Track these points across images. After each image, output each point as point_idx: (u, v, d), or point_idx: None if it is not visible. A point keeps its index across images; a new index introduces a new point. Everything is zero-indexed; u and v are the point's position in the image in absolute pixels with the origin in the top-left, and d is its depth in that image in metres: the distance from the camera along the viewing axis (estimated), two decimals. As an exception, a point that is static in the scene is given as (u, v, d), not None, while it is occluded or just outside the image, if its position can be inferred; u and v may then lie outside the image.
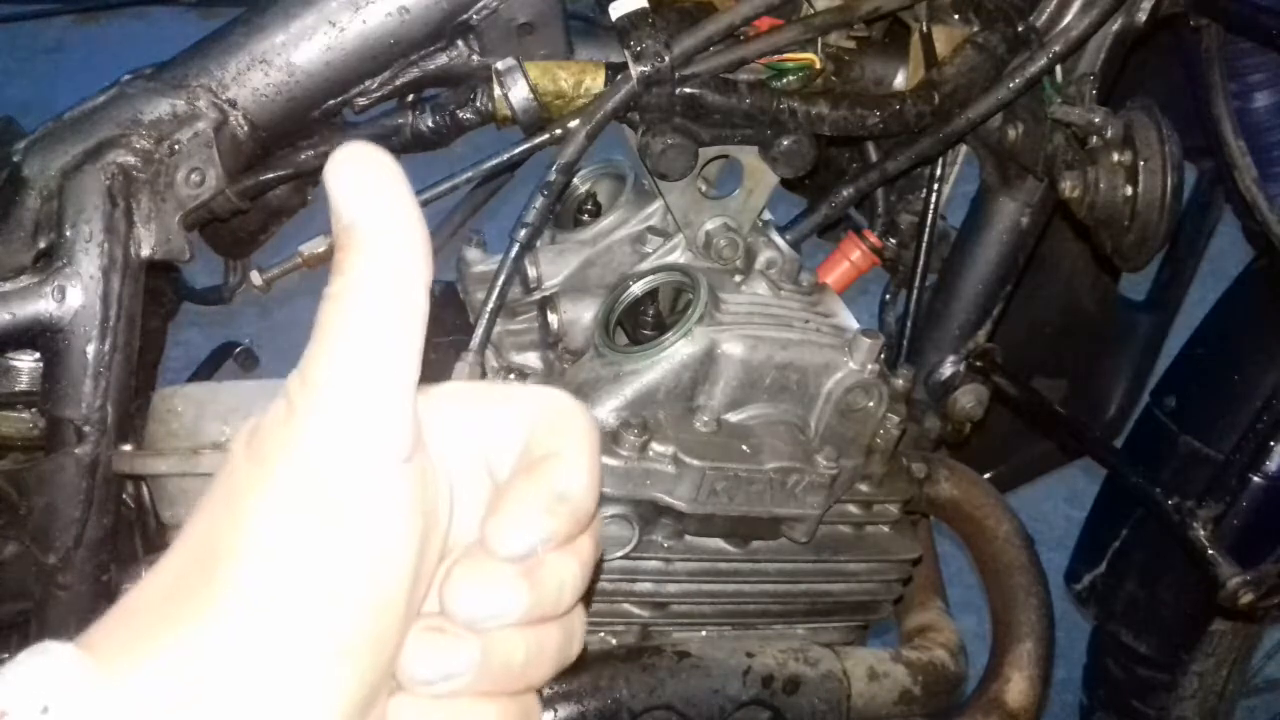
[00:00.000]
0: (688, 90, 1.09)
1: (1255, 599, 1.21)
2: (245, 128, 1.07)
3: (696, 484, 1.09)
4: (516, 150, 1.10)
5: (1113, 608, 1.61)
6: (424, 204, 1.10)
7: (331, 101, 1.09)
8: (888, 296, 1.43)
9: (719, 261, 1.17)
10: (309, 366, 0.51)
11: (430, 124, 1.11)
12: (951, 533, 1.38)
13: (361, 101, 1.10)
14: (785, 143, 1.12)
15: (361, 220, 0.50)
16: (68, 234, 1.01)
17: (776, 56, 1.12)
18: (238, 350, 1.44)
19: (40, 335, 1.02)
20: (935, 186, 1.32)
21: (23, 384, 1.11)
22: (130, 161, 1.03)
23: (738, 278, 1.16)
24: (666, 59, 1.06)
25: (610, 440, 1.08)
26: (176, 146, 1.04)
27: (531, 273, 1.21)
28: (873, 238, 1.37)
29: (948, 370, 1.39)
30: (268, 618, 0.47)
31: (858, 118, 1.14)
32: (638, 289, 1.16)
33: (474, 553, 0.53)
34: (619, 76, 1.08)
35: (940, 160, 1.30)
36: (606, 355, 1.11)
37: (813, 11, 1.15)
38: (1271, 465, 1.39)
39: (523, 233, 1.08)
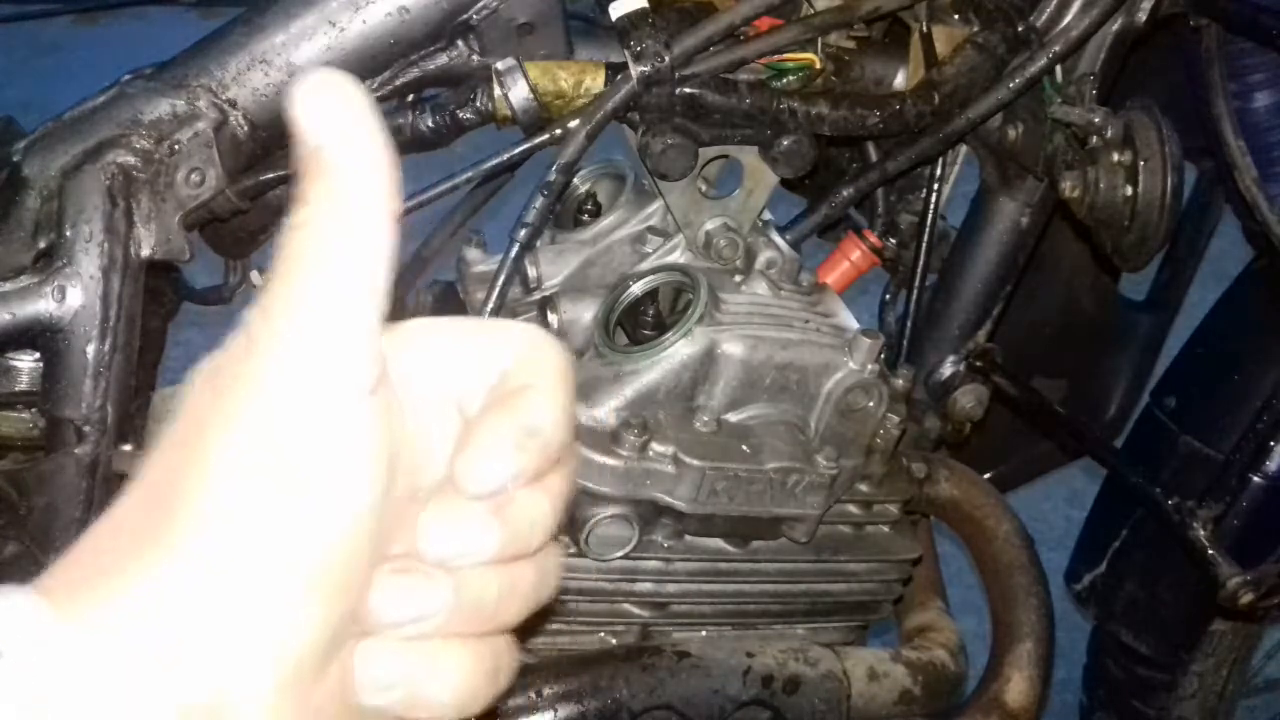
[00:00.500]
0: (688, 90, 1.09)
1: (1255, 599, 1.21)
2: (245, 128, 1.07)
3: (696, 484, 1.09)
4: (516, 150, 1.10)
5: (1113, 608, 1.61)
6: (424, 204, 1.11)
7: (331, 101, 1.08)
8: (888, 296, 1.43)
9: (719, 261, 1.17)
10: (268, 298, 0.48)
11: (430, 124, 1.11)
12: (951, 533, 1.38)
13: (361, 101, 1.09)
14: (785, 143, 1.12)
15: (327, 146, 0.49)
16: (68, 234, 1.01)
17: (776, 56, 1.12)
18: (238, 350, 1.44)
19: (40, 335, 1.02)
20: (935, 186, 1.32)
21: (23, 384, 1.11)
22: (130, 161, 1.02)
23: (738, 278, 1.16)
24: (666, 59, 1.06)
25: (610, 440, 1.08)
26: (176, 146, 1.04)
27: (531, 273, 1.21)
28: (873, 238, 1.37)
29: (948, 370, 1.39)
30: (228, 559, 0.46)
31: (858, 118, 1.14)
32: (638, 289, 1.16)
33: (444, 490, 0.51)
34: (619, 76, 1.08)
35: (940, 160, 1.30)
36: (606, 355, 1.11)
37: (813, 11, 1.15)
38: (1271, 465, 1.39)
39: (523, 233, 1.08)
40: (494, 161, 1.10)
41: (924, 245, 1.33)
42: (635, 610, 1.20)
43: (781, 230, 1.24)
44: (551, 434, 0.53)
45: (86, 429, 1.02)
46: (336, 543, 0.48)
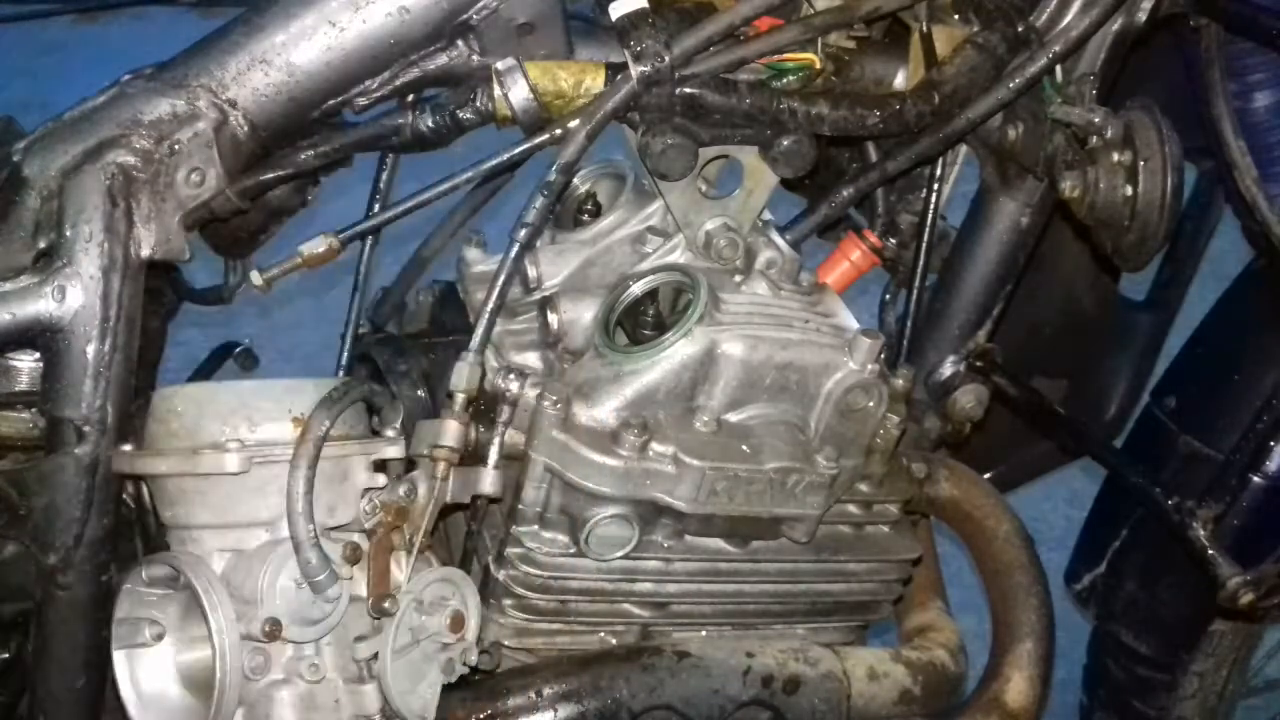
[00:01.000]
0: (688, 90, 1.09)
1: (1255, 599, 1.22)
2: (245, 128, 1.07)
3: (696, 484, 1.09)
4: (516, 150, 1.10)
5: (1113, 608, 1.61)
6: (424, 204, 1.11)
7: (331, 101, 1.09)
8: (888, 296, 1.43)
9: (719, 261, 1.17)
10: None
11: (430, 124, 1.11)
12: (951, 533, 1.38)
13: (361, 101, 1.10)
14: (785, 143, 1.12)
15: None
16: (68, 234, 1.01)
17: (776, 56, 1.12)
18: (238, 350, 1.44)
19: (40, 335, 1.02)
20: (935, 186, 1.32)
21: (23, 384, 1.11)
22: (130, 161, 1.03)
23: (738, 278, 1.16)
24: (666, 59, 1.06)
25: (610, 440, 1.08)
26: (176, 146, 1.04)
27: (531, 273, 1.21)
28: (873, 238, 1.37)
29: (948, 370, 1.39)
30: None
31: (858, 118, 1.14)
32: (638, 289, 1.16)
33: None
34: (619, 76, 1.08)
35: (940, 160, 1.30)
36: (606, 355, 1.11)
37: (813, 11, 1.15)
38: (1271, 465, 1.39)
39: (523, 233, 1.08)
40: (494, 161, 1.10)
41: (924, 245, 1.33)
42: (635, 610, 1.20)
43: (781, 230, 1.24)
44: None
45: (86, 429, 1.02)
46: None
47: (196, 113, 1.05)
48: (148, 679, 1.06)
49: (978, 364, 1.39)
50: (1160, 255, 1.32)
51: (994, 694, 1.31)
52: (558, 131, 1.08)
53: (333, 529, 1.05)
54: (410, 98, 1.12)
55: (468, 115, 1.10)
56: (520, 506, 1.10)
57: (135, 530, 1.16)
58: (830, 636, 1.28)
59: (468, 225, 1.35)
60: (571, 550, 1.13)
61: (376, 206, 1.23)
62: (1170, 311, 1.73)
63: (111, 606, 1.06)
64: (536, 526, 1.12)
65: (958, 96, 1.19)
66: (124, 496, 1.12)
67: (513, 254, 1.09)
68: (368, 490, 1.06)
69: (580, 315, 1.16)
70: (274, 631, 1.01)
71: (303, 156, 1.11)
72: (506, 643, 1.18)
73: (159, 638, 1.06)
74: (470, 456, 1.08)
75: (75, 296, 1.01)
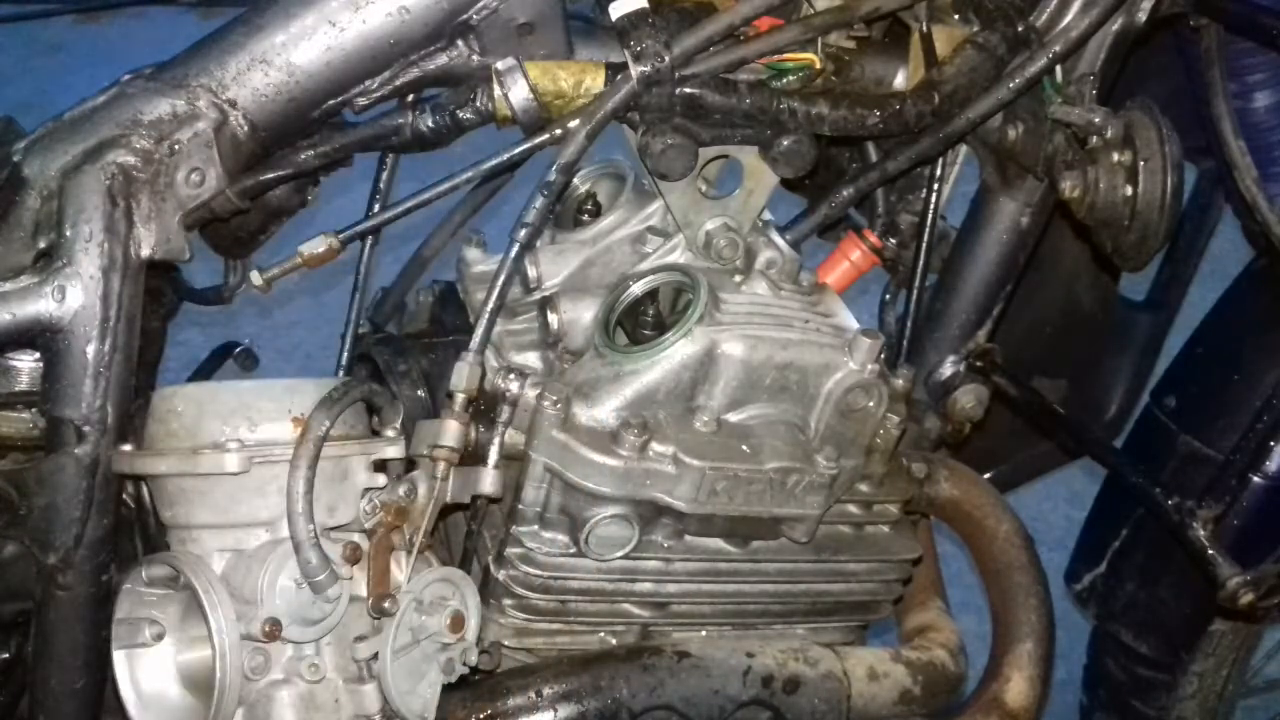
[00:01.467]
0: (688, 90, 1.09)
1: (1255, 599, 1.21)
2: (245, 128, 1.07)
3: (696, 484, 1.09)
4: (516, 150, 1.10)
5: (1113, 608, 1.61)
6: (424, 204, 1.11)
7: (331, 101, 1.09)
8: (888, 296, 1.43)
9: (719, 261, 1.17)
10: None
11: (430, 124, 1.11)
12: (951, 533, 1.38)
13: (361, 101, 1.10)
14: (785, 143, 1.12)
15: None
16: (68, 234, 1.01)
17: (776, 56, 1.12)
18: (238, 350, 1.44)
19: (40, 335, 1.02)
20: (935, 186, 1.32)
21: (23, 384, 1.11)
22: (130, 161, 1.02)
23: (738, 278, 1.16)
24: (666, 59, 1.06)
25: (610, 440, 1.08)
26: (176, 146, 1.04)
27: (531, 273, 1.21)
28: (873, 238, 1.37)
29: (948, 370, 1.39)
30: None
31: (858, 118, 1.14)
32: (638, 289, 1.16)
33: None
34: (619, 76, 1.08)
35: (940, 160, 1.30)
36: (606, 355, 1.11)
37: (813, 11, 1.15)
38: (1271, 465, 1.39)
39: (523, 233, 1.08)
40: (494, 161, 1.10)
41: (924, 245, 1.33)
42: (635, 610, 1.20)
43: (781, 230, 1.24)
44: None
45: (86, 429, 1.02)
46: None
47: (196, 113, 1.05)
48: (148, 679, 1.06)
49: (978, 364, 1.39)
50: (1160, 255, 1.32)
51: (994, 694, 1.31)
52: (558, 131, 1.08)
53: (333, 529, 1.05)
54: (410, 98, 1.12)
55: (468, 115, 1.10)
56: (520, 506, 1.10)
57: (135, 530, 1.16)
58: (830, 636, 1.28)
59: (468, 225, 1.35)
60: (571, 550, 1.13)
61: (376, 206, 1.23)
62: (1170, 311, 1.73)
63: (111, 606, 1.06)
64: (536, 526, 1.12)
65: (958, 96, 1.19)
66: (124, 496, 1.12)
67: (513, 254, 1.09)
68: (368, 490, 1.06)
69: (580, 315, 1.16)
70: (274, 631, 1.01)
71: (303, 156, 1.11)
72: (506, 643, 1.18)
73: (159, 638, 1.06)
74: (470, 456, 1.08)
75: (75, 296, 1.00)
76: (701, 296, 1.10)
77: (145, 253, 1.04)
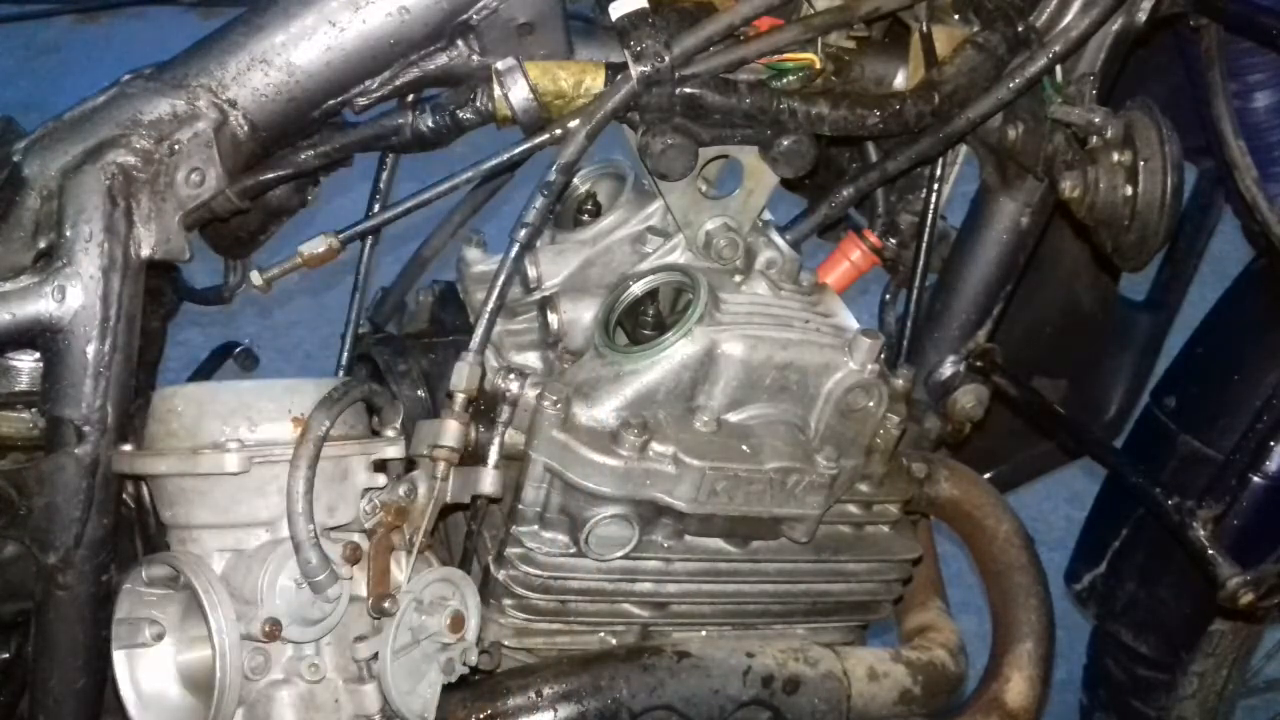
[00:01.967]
0: (688, 90, 1.09)
1: (1255, 599, 1.21)
2: (245, 128, 1.07)
3: (696, 484, 1.09)
4: (516, 150, 1.10)
5: (1113, 608, 1.61)
6: (424, 204, 1.11)
7: (331, 101, 1.09)
8: (888, 296, 1.43)
9: (719, 261, 1.17)
10: None
11: (430, 124, 1.11)
12: (951, 533, 1.38)
13: (361, 101, 1.10)
14: (785, 143, 1.12)
15: None
16: (68, 234, 1.01)
17: (776, 56, 1.12)
18: (238, 350, 1.44)
19: (40, 335, 1.02)
20: (935, 186, 1.32)
21: (23, 384, 1.11)
22: (130, 161, 1.02)
23: (738, 278, 1.16)
24: (666, 59, 1.06)
25: (610, 440, 1.08)
26: (176, 146, 1.04)
27: (531, 273, 1.21)
28: (873, 238, 1.37)
29: (948, 370, 1.39)
30: None
31: (858, 118, 1.14)
32: (638, 289, 1.16)
33: None
34: (619, 76, 1.08)
35: (940, 160, 1.30)
36: (606, 355, 1.11)
37: (813, 11, 1.15)
38: (1271, 465, 1.39)
39: (523, 233, 1.08)
40: (494, 161, 1.10)
41: (924, 245, 1.33)
42: (635, 610, 1.20)
43: (781, 230, 1.24)
44: None
45: (86, 429, 1.02)
46: None
47: (196, 113, 1.05)
48: (148, 679, 1.06)
49: (978, 364, 1.39)
50: (1160, 255, 1.32)
51: (994, 694, 1.31)
52: (558, 131, 1.08)
53: (333, 529, 1.05)
54: (410, 98, 1.12)
55: (468, 115, 1.10)
56: (520, 506, 1.10)
57: (135, 530, 1.16)
58: (830, 636, 1.28)
59: (468, 225, 1.35)
60: (571, 550, 1.13)
61: (376, 206, 1.23)
62: (1170, 311, 1.73)
63: (111, 606, 1.06)
64: (536, 526, 1.12)
65: (958, 96, 1.19)
66: (124, 496, 1.12)
67: (513, 254, 1.09)
68: (368, 490, 1.06)
69: (580, 315, 1.16)
70: (274, 631, 1.01)
71: (303, 156, 1.11)
72: (506, 643, 1.18)
73: (159, 638, 1.06)
74: (470, 456, 1.08)
75: (75, 296, 1.00)
76: (701, 296, 1.10)
77: (145, 253, 1.04)
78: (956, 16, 1.24)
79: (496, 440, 1.08)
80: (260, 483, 1.02)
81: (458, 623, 1.06)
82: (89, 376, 1.01)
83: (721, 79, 1.10)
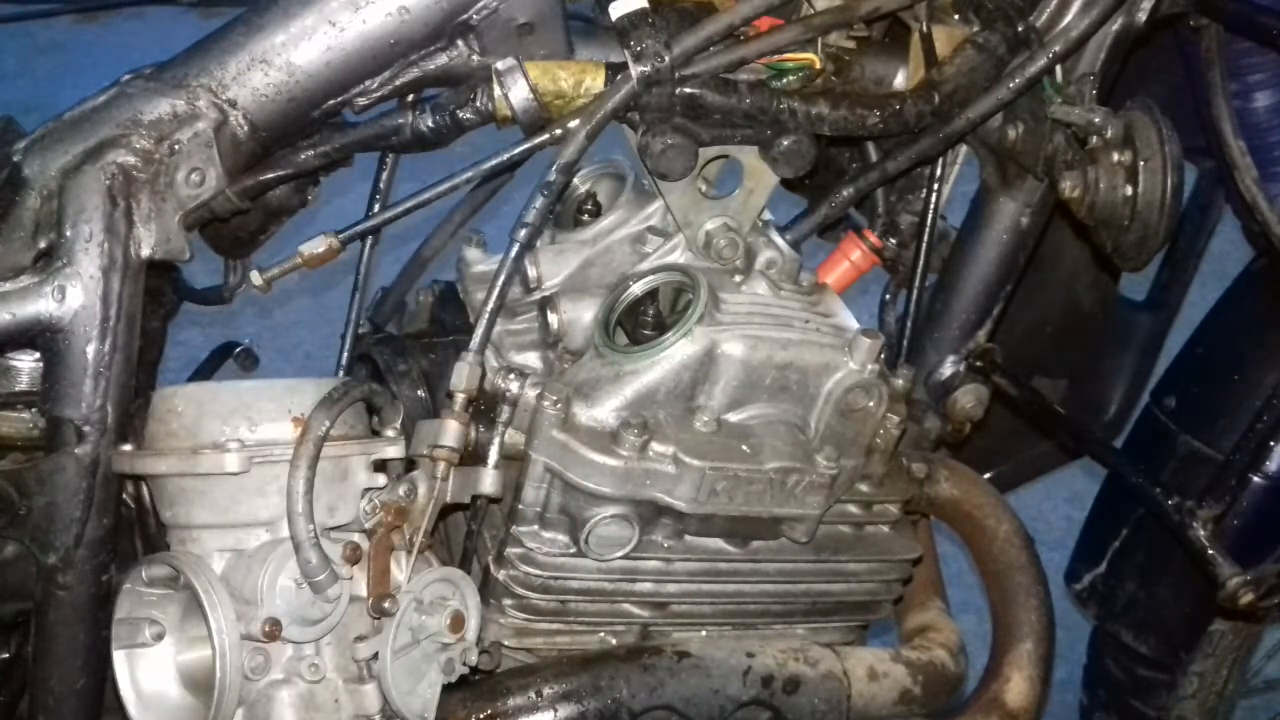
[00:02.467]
0: (688, 90, 1.09)
1: (1255, 599, 1.22)
2: (245, 128, 1.07)
3: (696, 484, 1.09)
4: (516, 150, 1.10)
5: (1113, 608, 1.61)
6: (424, 204, 1.11)
7: (331, 101, 1.09)
8: (888, 296, 1.43)
9: (719, 261, 1.17)
10: None
11: (430, 124, 1.11)
12: (951, 533, 1.38)
13: (361, 101, 1.10)
14: (785, 143, 1.12)
15: None
16: (68, 234, 1.01)
17: (776, 56, 1.12)
18: (238, 350, 1.44)
19: (40, 335, 1.02)
20: (935, 186, 1.32)
21: (23, 384, 1.11)
22: (130, 161, 1.02)
23: (738, 278, 1.16)
24: (666, 59, 1.06)
25: (610, 440, 1.08)
26: (176, 146, 1.04)
27: (531, 273, 1.21)
28: (873, 238, 1.37)
29: (948, 370, 1.39)
30: None
31: (858, 118, 1.14)
32: (638, 289, 1.16)
33: None
34: (619, 76, 1.08)
35: (940, 160, 1.30)
36: (606, 355, 1.11)
37: (813, 11, 1.15)
38: (1271, 465, 1.39)
39: (523, 233, 1.08)
40: (494, 161, 1.10)
41: (924, 245, 1.33)
42: (635, 610, 1.20)
43: (781, 230, 1.24)
44: None
45: (86, 429, 1.02)
46: None
47: (196, 113, 1.05)
48: (148, 679, 1.06)
49: (978, 364, 1.39)
50: (1160, 255, 1.32)
51: (994, 694, 1.31)
52: (558, 131, 1.08)
53: (333, 529, 1.05)
54: (410, 98, 1.12)
55: (468, 115, 1.10)
56: (520, 506, 1.10)
57: (135, 530, 1.16)
58: (830, 636, 1.28)
59: (468, 225, 1.35)
60: (571, 550, 1.13)
61: (376, 206, 1.23)
62: (1170, 311, 1.73)
63: (111, 606, 1.06)
64: (536, 526, 1.12)
65: (958, 96, 1.19)
66: (124, 496, 1.12)
67: (513, 254, 1.09)
68: (368, 490, 1.06)
69: (580, 315, 1.16)
70: (274, 631, 1.01)
71: (303, 156, 1.11)
72: (506, 643, 1.18)
73: (159, 638, 1.06)
74: (470, 456, 1.08)
75: (75, 296, 1.00)
76: (701, 296, 1.10)
77: (145, 253, 1.04)
78: (956, 16, 1.24)
79: (496, 440, 1.08)
80: (260, 483, 1.02)
81: (458, 623, 1.06)
82: (89, 376, 1.01)
83: (721, 79, 1.10)
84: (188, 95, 1.05)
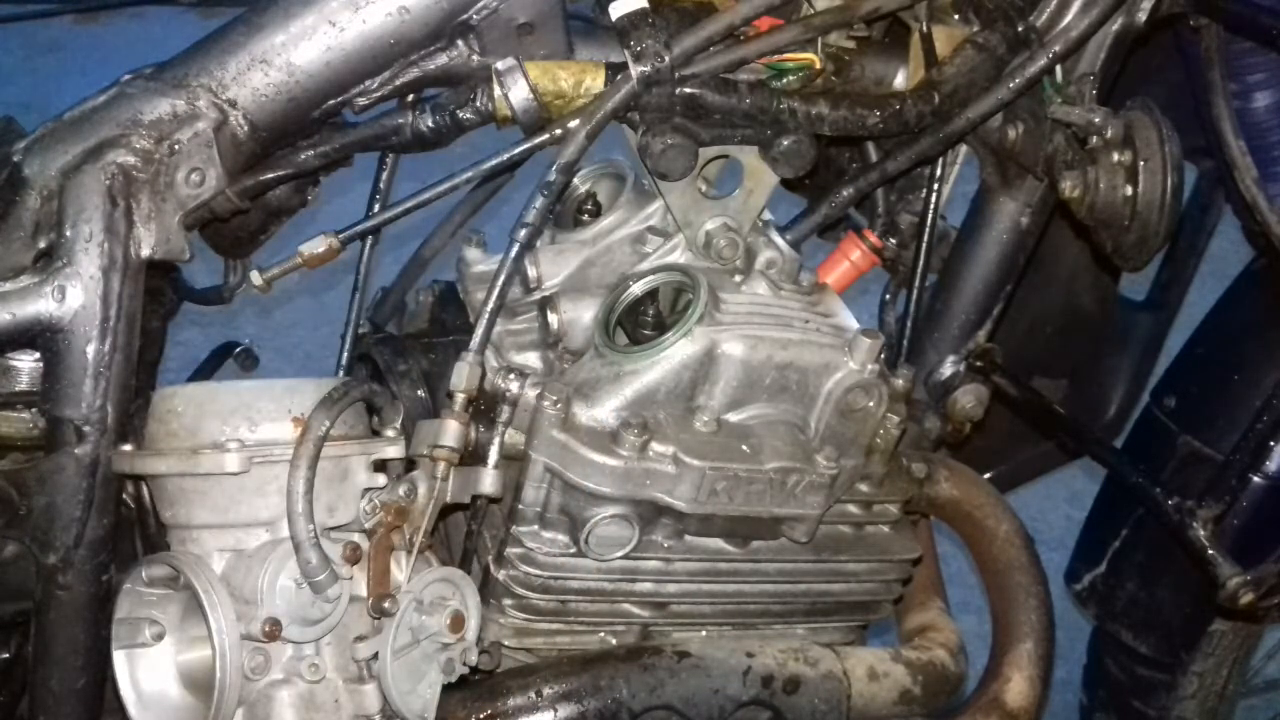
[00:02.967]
0: (688, 90, 1.09)
1: (1255, 599, 1.21)
2: (245, 128, 1.07)
3: (696, 484, 1.09)
4: (516, 150, 1.10)
5: (1113, 608, 1.61)
6: (424, 204, 1.11)
7: (331, 101, 1.09)
8: (888, 296, 1.43)
9: (719, 261, 1.17)
10: None
11: (430, 124, 1.11)
12: (951, 533, 1.38)
13: (361, 101, 1.10)
14: (785, 143, 1.12)
15: None
16: (68, 234, 1.01)
17: (776, 56, 1.12)
18: (238, 350, 1.44)
19: (40, 335, 1.02)
20: (935, 186, 1.32)
21: (23, 384, 1.11)
22: (130, 161, 1.02)
23: (738, 278, 1.16)
24: (666, 59, 1.06)
25: (610, 440, 1.08)
26: (176, 146, 1.04)
27: (531, 273, 1.21)
28: (873, 238, 1.37)
29: (948, 370, 1.39)
30: None
31: (858, 118, 1.14)
32: (638, 289, 1.16)
33: None
34: (619, 76, 1.08)
35: (940, 160, 1.30)
36: (606, 355, 1.11)
37: (813, 11, 1.15)
38: (1271, 465, 1.39)
39: (523, 233, 1.08)
40: (494, 161, 1.10)
41: (924, 245, 1.33)
42: (635, 610, 1.20)
43: (781, 230, 1.24)
44: None
45: (86, 429, 1.02)
46: None
47: (196, 113, 1.05)
48: (148, 679, 1.06)
49: (978, 364, 1.39)
50: (1160, 255, 1.32)
51: (994, 694, 1.31)
52: (558, 131, 1.08)
53: (333, 529, 1.05)
54: (410, 98, 1.12)
55: (468, 115, 1.10)
56: (520, 506, 1.10)
57: (135, 530, 1.16)
58: (830, 636, 1.28)
59: (468, 225, 1.35)
60: (571, 550, 1.13)
61: (376, 206, 1.23)
62: (1170, 311, 1.73)
63: (111, 606, 1.06)
64: (536, 526, 1.12)
65: (958, 96, 1.19)
66: (124, 496, 1.12)
67: (513, 254, 1.09)
68: (368, 490, 1.06)
69: (580, 315, 1.16)
70: (274, 631, 1.01)
71: (303, 156, 1.11)
72: (506, 643, 1.18)
73: (159, 638, 1.06)
74: (470, 456, 1.08)
75: (75, 296, 1.01)
76: (701, 296, 1.10)
77: (145, 253, 1.04)
78: (956, 16, 1.24)
79: (496, 440, 1.08)
80: (260, 483, 1.02)
81: (458, 623, 1.06)
82: (89, 376, 1.01)
83: (721, 79, 1.10)
84: (188, 95, 1.05)
